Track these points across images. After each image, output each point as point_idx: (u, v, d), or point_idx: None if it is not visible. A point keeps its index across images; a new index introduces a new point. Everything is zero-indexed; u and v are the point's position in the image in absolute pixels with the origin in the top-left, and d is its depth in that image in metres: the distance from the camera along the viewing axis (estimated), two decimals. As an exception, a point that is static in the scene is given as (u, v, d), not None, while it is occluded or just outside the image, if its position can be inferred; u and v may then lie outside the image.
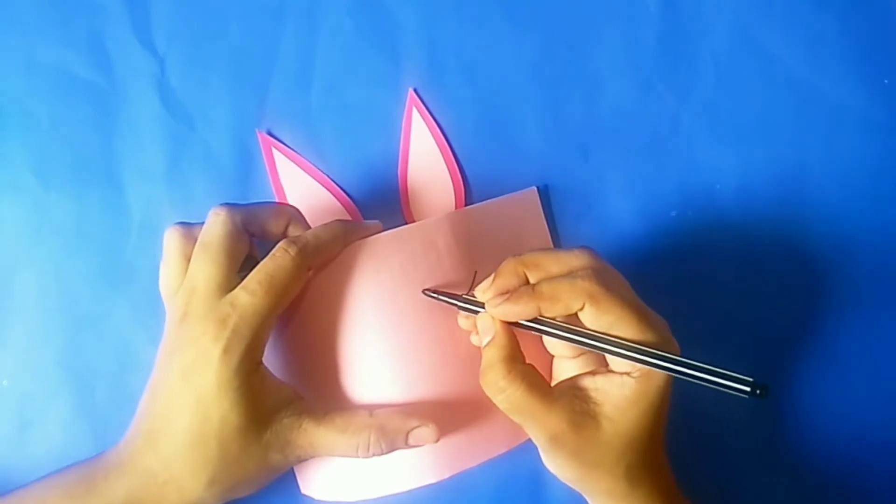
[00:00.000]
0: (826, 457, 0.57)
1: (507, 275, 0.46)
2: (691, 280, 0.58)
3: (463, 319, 0.50)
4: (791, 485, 0.57)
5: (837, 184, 0.59)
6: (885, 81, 0.60)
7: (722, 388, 0.42)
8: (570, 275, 0.45)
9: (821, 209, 0.59)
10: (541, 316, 0.45)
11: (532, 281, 0.46)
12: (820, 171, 0.59)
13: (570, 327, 0.45)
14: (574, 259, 0.46)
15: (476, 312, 0.47)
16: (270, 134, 0.57)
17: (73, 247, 0.55)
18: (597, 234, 0.58)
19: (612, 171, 0.59)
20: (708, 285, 0.58)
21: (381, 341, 0.50)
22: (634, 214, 0.58)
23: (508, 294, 0.45)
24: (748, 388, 0.41)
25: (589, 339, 0.44)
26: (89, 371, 0.54)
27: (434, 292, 0.49)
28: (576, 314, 0.44)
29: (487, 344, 0.46)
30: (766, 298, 0.58)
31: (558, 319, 0.45)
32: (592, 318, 0.44)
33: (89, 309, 0.55)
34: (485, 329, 0.46)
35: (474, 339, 0.50)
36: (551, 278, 0.45)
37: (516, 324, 0.46)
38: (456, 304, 0.48)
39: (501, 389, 0.44)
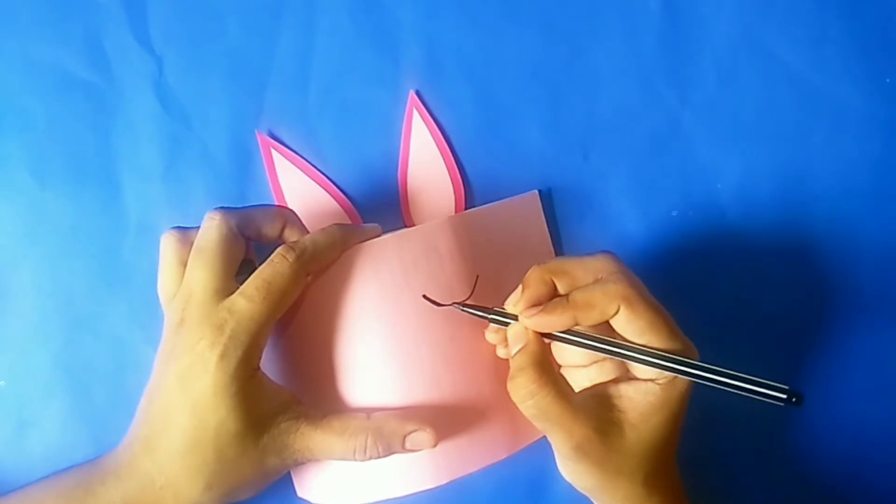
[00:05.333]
0: (833, 460, 0.57)
1: (536, 284, 0.46)
2: (693, 279, 0.58)
3: (492, 333, 0.49)
4: (796, 489, 0.57)
5: (839, 182, 0.59)
6: (887, 80, 0.60)
7: (757, 397, 0.43)
8: (599, 281, 0.45)
9: (822, 208, 0.59)
10: (576, 325, 0.45)
11: (560, 289, 0.46)
12: (821, 169, 0.59)
13: (601, 337, 0.45)
14: (599, 264, 0.46)
15: (506, 325, 0.47)
16: (269, 134, 0.57)
17: (70, 247, 0.55)
18: (598, 233, 0.58)
19: (613, 170, 0.59)
20: (709, 284, 0.58)
21: (381, 345, 0.49)
22: (636, 214, 0.58)
23: (542, 305, 0.45)
24: (784, 396, 0.42)
25: (622, 349, 0.44)
26: (86, 371, 0.54)
27: (463, 306, 0.48)
28: (607, 321, 0.44)
29: (519, 350, 0.45)
30: (768, 297, 0.58)
31: (589, 328, 0.45)
32: (625, 323, 0.44)
33: (86, 309, 0.55)
34: (516, 338, 0.46)
35: (501, 352, 0.50)
36: (584, 286, 0.45)
37: (548, 334, 0.46)
38: (486, 317, 0.48)
39: (531, 394, 0.44)
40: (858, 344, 0.58)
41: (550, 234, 0.57)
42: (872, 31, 0.60)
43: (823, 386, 0.58)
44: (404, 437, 0.47)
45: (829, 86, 0.60)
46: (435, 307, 0.49)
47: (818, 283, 0.58)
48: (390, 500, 0.50)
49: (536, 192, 0.57)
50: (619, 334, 0.45)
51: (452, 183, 0.57)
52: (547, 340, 0.46)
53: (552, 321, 0.44)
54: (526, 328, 0.45)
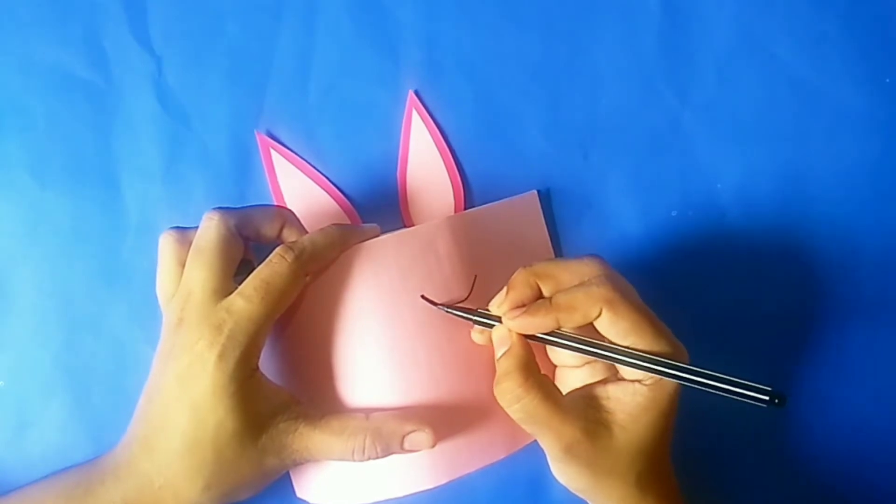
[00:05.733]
0: (830, 461, 0.57)
1: (520, 287, 0.46)
2: (692, 280, 0.58)
3: (477, 334, 0.50)
4: (794, 489, 0.57)
5: (839, 183, 0.59)
6: (887, 80, 0.60)
7: (740, 398, 0.43)
8: (583, 283, 0.45)
9: (822, 208, 0.59)
10: (558, 327, 0.45)
11: (545, 291, 0.46)
12: (821, 169, 0.59)
13: (585, 339, 0.45)
14: (585, 267, 0.46)
15: (491, 326, 0.47)
16: (268, 134, 0.57)
17: (70, 247, 0.55)
18: (597, 233, 0.58)
19: (612, 170, 0.59)
20: (709, 285, 0.58)
21: (379, 345, 0.49)
22: (635, 214, 0.58)
23: (525, 307, 0.45)
24: (767, 398, 0.42)
25: (605, 350, 0.44)
26: (86, 371, 0.54)
27: (447, 307, 0.48)
28: (591, 323, 0.44)
29: (503, 354, 0.45)
30: (766, 298, 0.58)
31: (573, 330, 0.45)
32: (608, 325, 0.44)
33: (86, 309, 0.55)
34: (500, 341, 0.46)
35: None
36: (567, 289, 0.45)
37: (532, 336, 0.46)
38: (471, 319, 0.48)
39: (518, 398, 0.44)
40: (858, 344, 0.58)
41: (549, 234, 0.57)
42: (872, 31, 0.60)
43: (822, 385, 0.57)
44: (403, 437, 0.47)
45: (828, 86, 0.60)
46: (434, 307, 0.49)
47: (818, 283, 0.58)
48: (389, 500, 0.51)
49: (535, 192, 0.57)
50: (604, 336, 0.45)
51: (452, 183, 0.57)
52: (532, 343, 0.46)
53: (534, 323, 0.45)
54: (510, 330, 0.46)
